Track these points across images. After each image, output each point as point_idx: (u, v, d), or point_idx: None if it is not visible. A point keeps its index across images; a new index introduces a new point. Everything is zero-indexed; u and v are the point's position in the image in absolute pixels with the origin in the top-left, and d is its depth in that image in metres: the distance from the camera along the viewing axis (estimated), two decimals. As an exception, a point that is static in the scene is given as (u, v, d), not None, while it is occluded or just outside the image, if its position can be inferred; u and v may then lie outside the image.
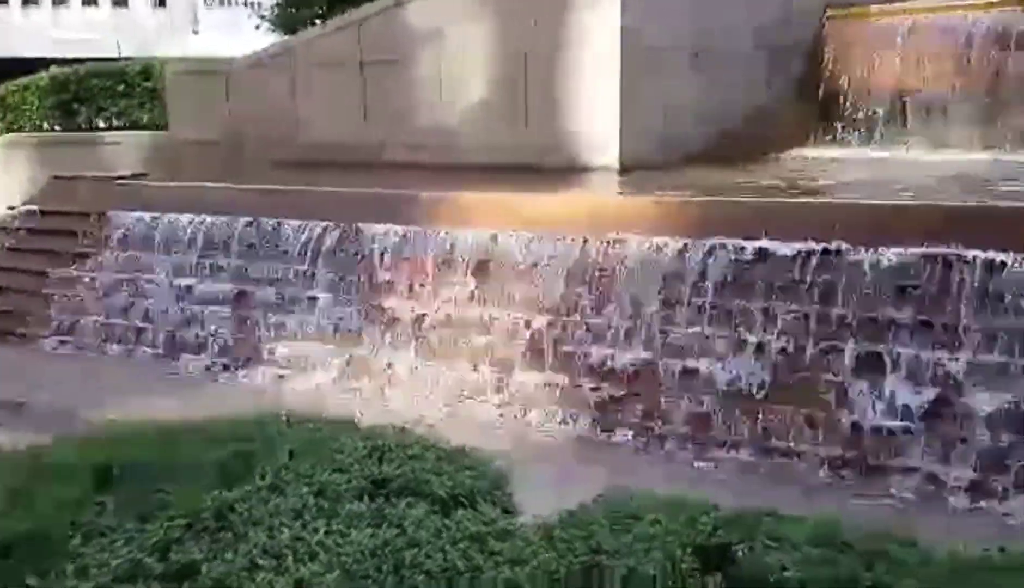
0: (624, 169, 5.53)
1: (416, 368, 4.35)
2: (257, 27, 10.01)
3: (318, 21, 8.53)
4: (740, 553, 1.65)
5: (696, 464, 3.53)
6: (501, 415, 4.03)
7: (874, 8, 5.93)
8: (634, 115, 5.53)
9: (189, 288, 5.15)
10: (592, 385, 3.88)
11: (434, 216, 4.55)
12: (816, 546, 1.69)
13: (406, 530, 1.63)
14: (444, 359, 4.28)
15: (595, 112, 5.62)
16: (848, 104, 5.85)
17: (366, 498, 1.79)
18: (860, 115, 5.80)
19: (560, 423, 3.92)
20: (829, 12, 6.05)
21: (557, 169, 5.60)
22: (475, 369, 4.19)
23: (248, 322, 4.93)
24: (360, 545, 1.56)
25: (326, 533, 1.60)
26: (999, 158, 5.14)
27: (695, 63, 5.79)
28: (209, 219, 5.16)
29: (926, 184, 4.49)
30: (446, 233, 4.40)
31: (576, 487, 2.19)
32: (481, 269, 4.29)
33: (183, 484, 1.73)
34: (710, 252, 3.68)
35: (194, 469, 1.80)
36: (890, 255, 3.32)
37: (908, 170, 5.04)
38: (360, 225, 4.65)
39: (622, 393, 3.82)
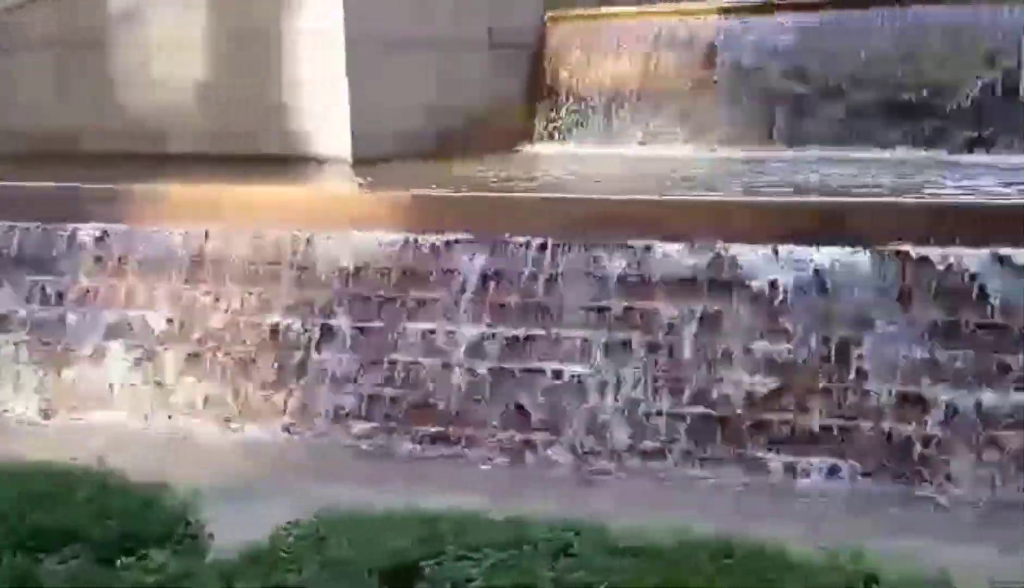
0: (357, 161, 5.44)
1: (126, 384, 3.98)
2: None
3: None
4: (428, 569, 1.64)
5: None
6: (225, 430, 3.79)
7: (589, 11, 6.26)
8: (366, 106, 5.43)
9: None
10: (328, 392, 3.73)
11: (142, 212, 4.19)
12: (503, 549, 1.72)
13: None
14: (158, 371, 3.96)
15: (324, 101, 5.45)
16: (568, 103, 6.14)
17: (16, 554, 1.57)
18: (579, 113, 6.11)
19: (292, 436, 3.73)
20: (550, 14, 6.30)
21: (283, 159, 5.38)
22: (198, 380, 3.91)
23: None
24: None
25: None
26: (703, 155, 5.60)
27: (427, 57, 5.82)
28: None
29: (620, 178, 4.81)
30: (156, 231, 4.07)
31: (296, 506, 2.10)
32: (196, 269, 4.00)
33: None
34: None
35: None
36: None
37: (615, 165, 5.41)
38: (54, 224, 4.17)
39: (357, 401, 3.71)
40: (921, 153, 4.99)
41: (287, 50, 5.54)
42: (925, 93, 5.10)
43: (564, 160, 5.70)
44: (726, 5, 5.91)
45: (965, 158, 4.83)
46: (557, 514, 1.85)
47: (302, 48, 5.50)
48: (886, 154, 5.07)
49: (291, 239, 3.82)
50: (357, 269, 3.76)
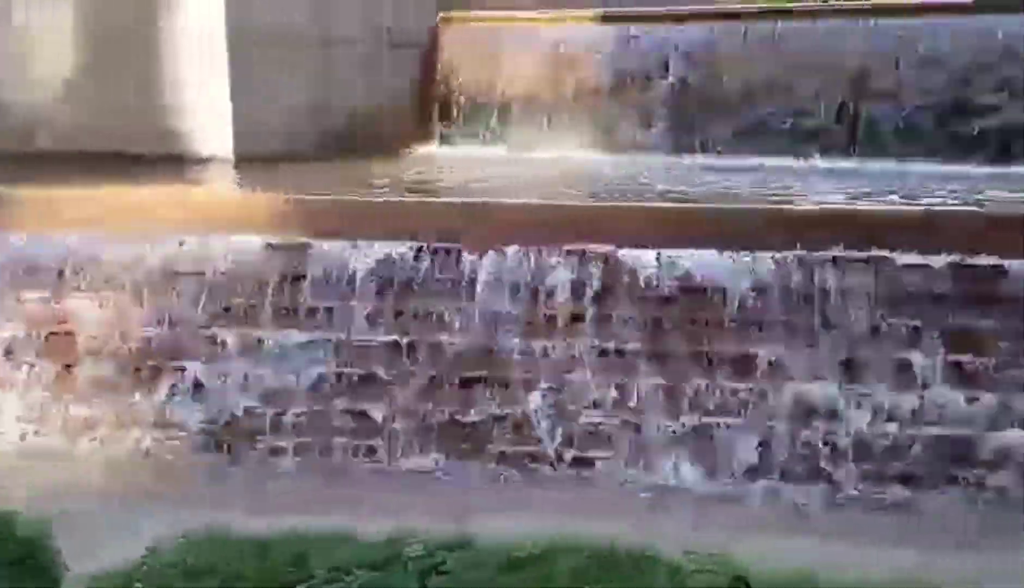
0: (240, 161, 5.28)
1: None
2: None
3: None
4: (300, 592, 1.61)
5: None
6: (84, 448, 3.58)
7: (483, 14, 6.27)
8: (249, 104, 5.28)
9: None
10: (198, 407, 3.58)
11: (7, 217, 3.94)
12: (374, 569, 1.70)
13: None
14: (29, 387, 3.73)
15: (205, 99, 5.27)
16: (462, 105, 6.13)
17: None
18: (472, 116, 6.12)
19: (156, 454, 3.55)
20: (443, 15, 6.28)
21: (164, 158, 5.18)
22: (55, 396, 3.69)
23: None
24: None
25: None
26: (595, 158, 5.69)
27: (315, 54, 5.71)
28: None
29: (507, 181, 4.87)
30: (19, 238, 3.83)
31: (160, 529, 2.00)
32: (66, 280, 3.78)
33: None
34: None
35: None
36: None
37: (506, 168, 5.43)
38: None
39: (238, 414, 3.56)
40: (798, 162, 5.22)
41: (167, 46, 5.33)
42: (801, 104, 5.36)
43: (455, 162, 5.69)
44: (619, 14, 6.06)
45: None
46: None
47: (183, 44, 5.30)
48: (768, 162, 5.32)
49: (156, 244, 3.66)
50: (229, 275, 3.63)
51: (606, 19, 5.98)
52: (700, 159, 5.44)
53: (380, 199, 4.09)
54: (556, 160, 5.63)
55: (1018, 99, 4.91)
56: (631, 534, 1.98)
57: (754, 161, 5.24)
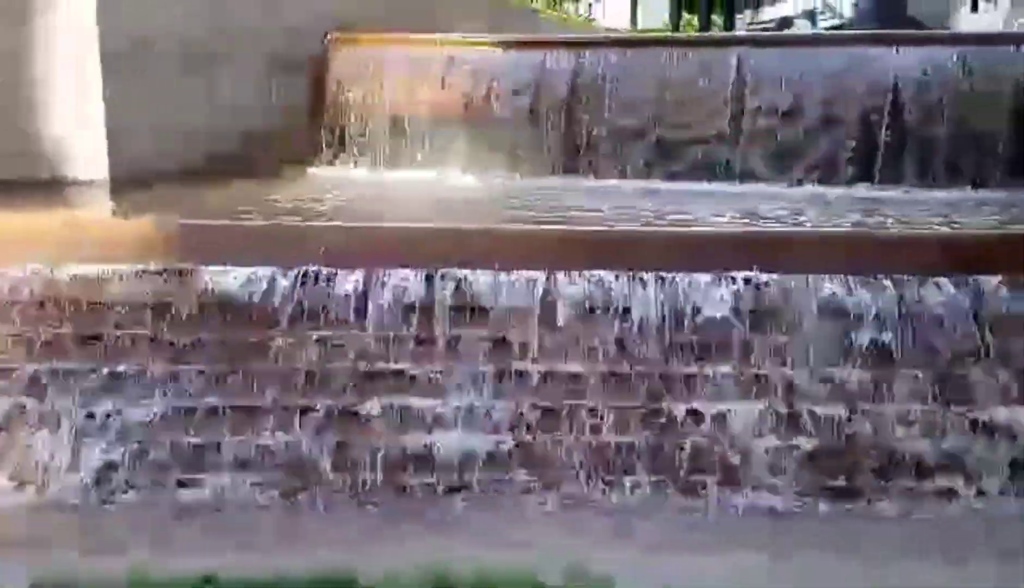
0: (117, 184, 5.11)
1: None
2: None
3: None
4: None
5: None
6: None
7: (374, 35, 6.26)
8: (125, 125, 5.12)
9: None
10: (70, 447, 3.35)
11: None
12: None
13: None
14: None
15: (78, 118, 5.09)
16: (353, 126, 6.11)
17: None
18: (364, 137, 6.10)
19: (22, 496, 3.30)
20: (333, 35, 6.25)
21: (35, 183, 4.98)
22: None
23: None
24: None
25: None
26: (481, 182, 5.72)
27: (198, 72, 5.60)
28: None
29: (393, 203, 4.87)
30: None
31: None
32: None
33: None
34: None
35: None
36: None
37: (397, 190, 5.44)
38: None
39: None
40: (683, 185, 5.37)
41: (39, 67, 5.14)
42: (685, 129, 5.52)
43: (345, 184, 5.64)
44: (509, 40, 6.14)
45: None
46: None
47: (58, 66, 5.11)
48: (652, 184, 5.45)
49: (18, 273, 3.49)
50: (101, 304, 3.49)
51: (498, 44, 6.05)
52: (589, 182, 5.56)
53: (242, 223, 3.94)
54: (442, 181, 5.66)
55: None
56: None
57: (648, 184, 5.41)
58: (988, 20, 11.60)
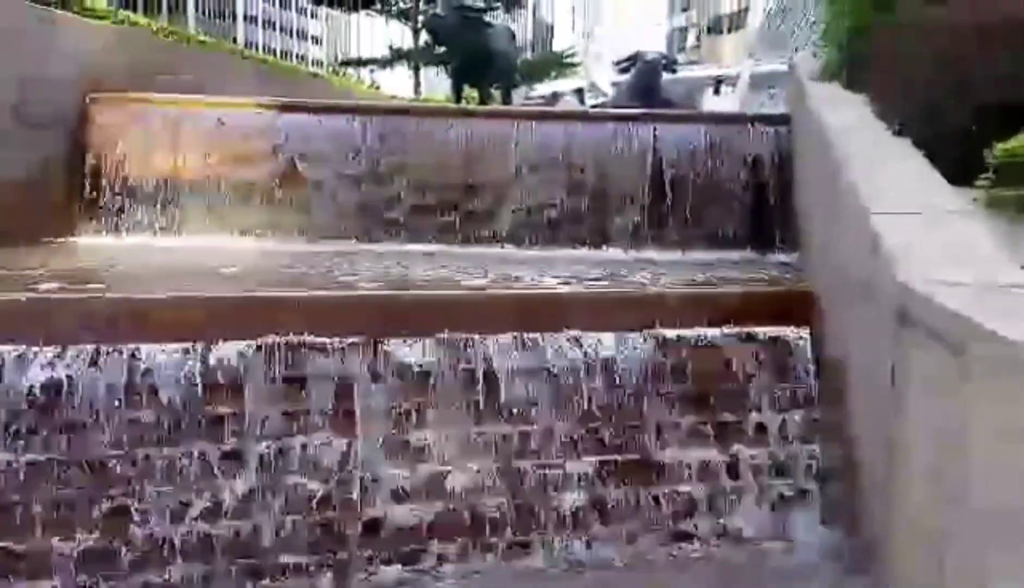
0: None
1: None
2: None
3: None
4: None
5: None
6: None
7: (138, 95, 5.96)
8: None
9: None
10: None
11: None
12: None
13: None
14: None
15: None
16: (113, 190, 5.74)
17: None
18: (125, 202, 5.75)
19: None
20: (92, 95, 5.88)
21: None
22: None
23: None
24: None
25: None
26: (251, 246, 5.58)
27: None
28: None
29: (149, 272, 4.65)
30: None
31: None
32: None
33: None
34: None
35: None
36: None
37: (157, 257, 5.18)
38: None
39: None
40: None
41: None
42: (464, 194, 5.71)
43: (103, 252, 5.27)
44: (288, 103, 6.07)
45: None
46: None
47: None
48: (432, 248, 5.57)
49: None
50: None
51: (273, 106, 5.97)
52: (376, 246, 5.61)
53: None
54: (209, 247, 5.48)
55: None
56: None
57: (428, 247, 5.57)
58: (728, 102, 13.06)
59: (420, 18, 15.57)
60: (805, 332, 3.67)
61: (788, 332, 3.66)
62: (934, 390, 2.33)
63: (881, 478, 2.80)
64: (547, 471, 3.45)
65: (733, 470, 3.60)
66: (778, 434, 3.63)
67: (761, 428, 3.62)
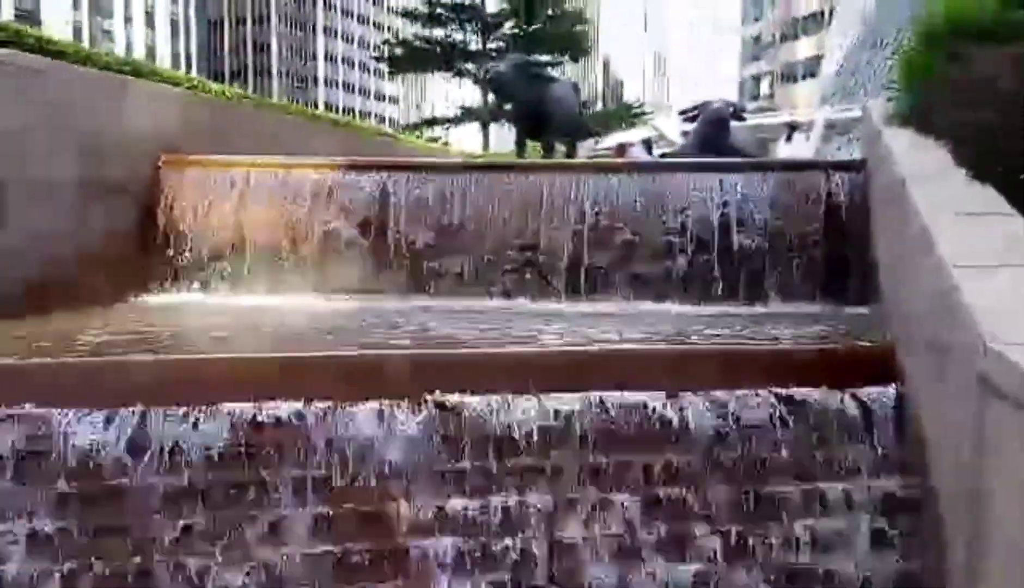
0: None
1: None
2: None
3: None
4: None
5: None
6: None
7: (207, 158, 6.12)
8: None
9: None
10: None
11: None
12: None
13: None
14: None
15: None
16: (186, 250, 5.87)
17: None
18: (198, 261, 5.87)
19: None
20: (164, 158, 6.06)
21: None
22: None
23: None
24: None
25: None
26: (326, 304, 5.58)
27: (12, 198, 5.21)
28: None
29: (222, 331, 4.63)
30: None
31: None
32: None
33: None
34: None
35: None
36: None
37: (233, 316, 5.21)
38: None
39: None
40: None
41: None
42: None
43: (177, 311, 5.36)
44: (350, 162, 6.15)
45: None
46: None
47: None
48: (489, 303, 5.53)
49: None
50: None
51: (338, 167, 6.05)
52: (425, 301, 5.56)
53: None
54: (280, 305, 5.49)
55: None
56: None
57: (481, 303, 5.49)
58: (802, 149, 12.74)
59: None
60: (892, 389, 3.43)
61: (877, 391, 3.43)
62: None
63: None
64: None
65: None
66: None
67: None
